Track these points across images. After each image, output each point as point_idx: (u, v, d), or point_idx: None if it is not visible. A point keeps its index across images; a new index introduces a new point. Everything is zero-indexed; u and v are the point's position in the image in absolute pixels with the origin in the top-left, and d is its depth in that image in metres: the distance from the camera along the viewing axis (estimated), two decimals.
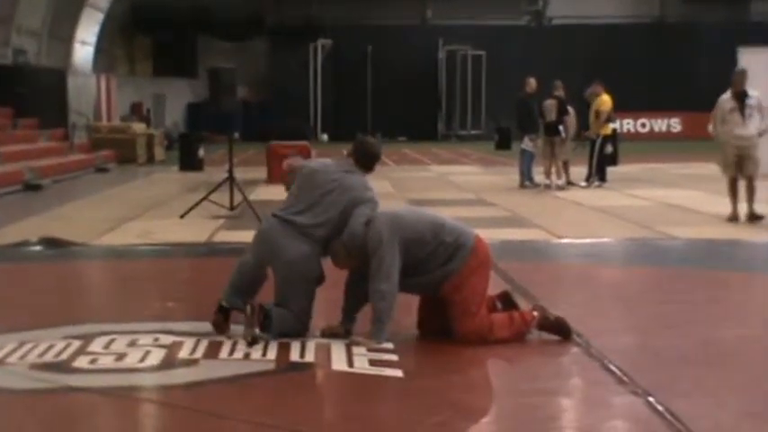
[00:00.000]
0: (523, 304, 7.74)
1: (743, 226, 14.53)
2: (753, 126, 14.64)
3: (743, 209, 14.90)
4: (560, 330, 7.39)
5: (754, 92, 14.81)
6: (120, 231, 14.74)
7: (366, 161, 7.64)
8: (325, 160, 7.98)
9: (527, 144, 21.65)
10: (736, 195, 15.03)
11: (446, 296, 7.21)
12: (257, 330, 7.08)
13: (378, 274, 7.05)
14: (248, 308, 7.12)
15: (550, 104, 21.15)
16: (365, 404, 6.05)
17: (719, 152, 15.19)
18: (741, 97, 14.70)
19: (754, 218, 14.76)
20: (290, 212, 7.35)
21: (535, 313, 7.45)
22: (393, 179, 24.05)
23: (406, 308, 7.37)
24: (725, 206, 15.99)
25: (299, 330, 7.25)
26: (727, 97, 14.91)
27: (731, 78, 15.00)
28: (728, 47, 49.82)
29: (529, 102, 21.85)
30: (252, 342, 7.06)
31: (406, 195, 19.66)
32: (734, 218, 14.94)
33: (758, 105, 14.68)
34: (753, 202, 14.91)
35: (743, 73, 14.95)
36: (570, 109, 21.43)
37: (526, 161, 21.78)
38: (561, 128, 21.04)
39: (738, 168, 14.89)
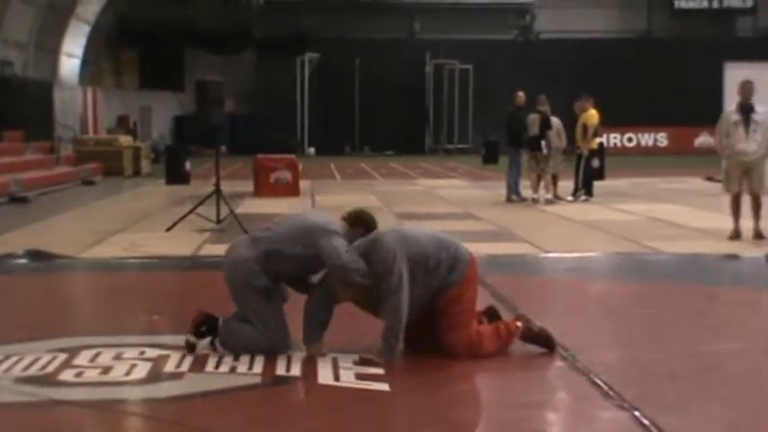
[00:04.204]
0: (509, 317, 7.74)
1: (729, 242, 14.25)
2: (756, 142, 14.00)
3: (742, 226, 14.47)
4: (544, 341, 7.39)
5: (762, 107, 14.12)
6: (106, 244, 14.71)
7: (361, 226, 7.48)
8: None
9: (522, 157, 21.69)
10: (738, 212, 14.42)
11: (442, 307, 7.18)
12: (191, 336, 7.27)
13: (399, 288, 6.98)
14: (196, 314, 7.35)
15: (533, 119, 21.24)
16: (351, 418, 6.03)
17: (723, 167, 14.62)
18: (747, 111, 14.06)
19: (760, 237, 14.20)
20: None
21: (519, 323, 7.45)
22: (380, 193, 24.06)
23: None
24: (711, 221, 16.03)
25: (267, 348, 7.16)
26: (732, 110, 14.36)
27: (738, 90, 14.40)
28: (715, 62, 50.37)
29: (519, 115, 21.91)
30: (190, 347, 7.26)
31: (393, 209, 19.65)
32: (736, 236, 14.36)
33: (764, 122, 14.01)
34: (759, 220, 14.35)
35: (747, 83, 14.21)
36: (557, 121, 21.49)
37: (513, 175, 21.81)
38: (543, 143, 21.08)
39: (742, 184, 14.28)
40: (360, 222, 7.48)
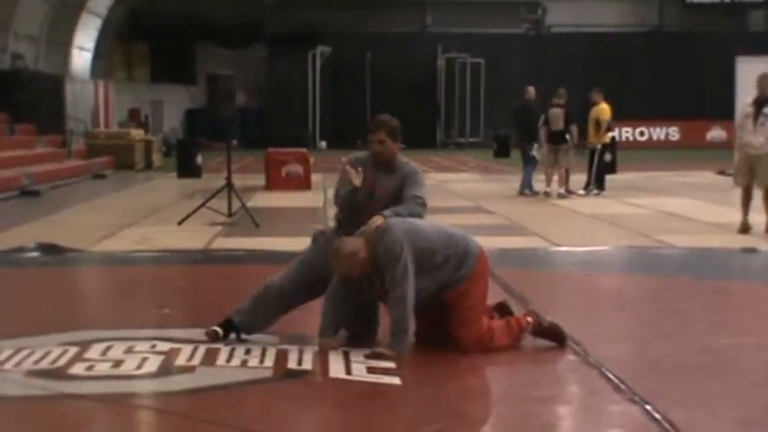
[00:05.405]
0: (519, 312, 7.72)
1: (739, 236, 14.18)
2: (764, 135, 13.83)
3: (755, 220, 14.36)
4: (555, 336, 7.37)
5: None
6: (117, 237, 14.72)
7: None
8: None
9: (536, 151, 21.65)
10: (747, 205, 14.31)
11: (452, 301, 7.14)
12: (218, 328, 7.39)
13: (404, 278, 6.92)
14: None
15: (556, 113, 21.16)
16: (362, 412, 6.03)
17: (735, 160, 14.52)
18: (760, 104, 13.92)
19: None
20: None
21: (529, 319, 7.43)
22: None
23: None
24: (723, 215, 15.97)
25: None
26: (747, 102, 14.29)
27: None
28: (727, 56, 50.07)
29: (533, 109, 21.88)
30: (211, 335, 7.36)
31: None
32: (744, 229, 14.27)
33: None
34: None
35: (766, 77, 14.02)
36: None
37: (529, 169, 21.79)
38: (568, 136, 21.09)
39: (751, 178, 14.16)
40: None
